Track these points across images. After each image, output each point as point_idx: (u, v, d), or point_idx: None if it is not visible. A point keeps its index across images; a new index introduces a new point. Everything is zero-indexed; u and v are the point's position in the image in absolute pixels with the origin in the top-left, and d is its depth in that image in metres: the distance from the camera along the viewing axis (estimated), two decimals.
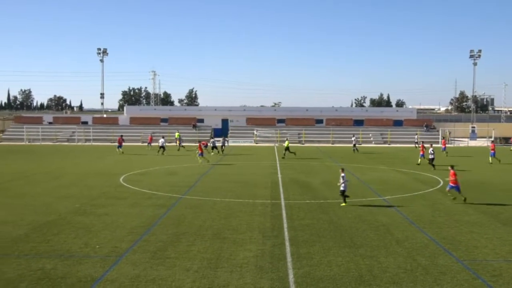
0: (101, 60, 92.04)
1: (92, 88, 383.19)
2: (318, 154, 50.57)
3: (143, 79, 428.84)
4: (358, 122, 77.33)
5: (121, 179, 30.45)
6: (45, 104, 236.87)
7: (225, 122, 79.56)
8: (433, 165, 36.58)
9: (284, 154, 45.48)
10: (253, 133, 71.88)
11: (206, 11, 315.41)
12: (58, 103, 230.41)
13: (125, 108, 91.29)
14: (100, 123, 77.48)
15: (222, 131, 76.16)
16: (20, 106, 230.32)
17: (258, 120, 76.64)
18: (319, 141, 69.27)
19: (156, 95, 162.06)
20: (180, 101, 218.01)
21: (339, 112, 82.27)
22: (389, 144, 68.55)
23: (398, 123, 77.49)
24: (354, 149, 53.06)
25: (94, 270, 13.16)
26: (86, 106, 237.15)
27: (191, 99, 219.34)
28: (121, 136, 52.86)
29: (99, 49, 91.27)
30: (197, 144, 48.54)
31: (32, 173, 33.40)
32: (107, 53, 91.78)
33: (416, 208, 21.81)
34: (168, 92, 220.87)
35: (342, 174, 22.26)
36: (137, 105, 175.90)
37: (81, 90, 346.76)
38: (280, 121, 77.20)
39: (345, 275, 12.87)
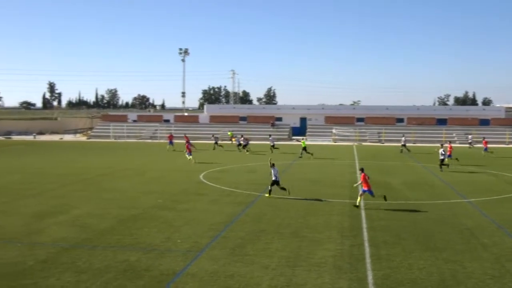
0: (183, 60, 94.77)
1: (174, 87, 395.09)
2: (398, 154, 49.24)
3: (222, 78, 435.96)
4: (441, 121, 74.55)
5: (201, 176, 31.14)
6: (129, 102, 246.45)
7: (303, 120, 79.45)
8: (445, 165, 34.74)
9: (301, 154, 43.58)
10: (332, 132, 71.25)
11: (285, 10, 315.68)
12: (142, 102, 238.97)
13: (205, 106, 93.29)
14: (181, 121, 79.63)
15: (300, 130, 76.20)
16: (107, 105, 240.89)
17: (336, 119, 75.79)
18: (399, 141, 67.39)
19: (235, 93, 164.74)
20: (259, 99, 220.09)
21: (421, 111, 79.90)
22: (475, 144, 65.51)
23: (484, 122, 73.95)
24: (402, 150, 50.63)
25: (175, 263, 13.55)
26: (168, 105, 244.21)
27: (270, 97, 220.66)
28: (171, 133, 56.47)
29: (180, 49, 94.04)
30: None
31: (117, 169, 34.92)
32: (188, 53, 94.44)
33: (505, 211, 20.74)
34: (247, 91, 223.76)
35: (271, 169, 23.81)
36: (216, 104, 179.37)
37: (164, 89, 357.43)
38: (359, 119, 75.89)
39: (426, 279, 12.46)
